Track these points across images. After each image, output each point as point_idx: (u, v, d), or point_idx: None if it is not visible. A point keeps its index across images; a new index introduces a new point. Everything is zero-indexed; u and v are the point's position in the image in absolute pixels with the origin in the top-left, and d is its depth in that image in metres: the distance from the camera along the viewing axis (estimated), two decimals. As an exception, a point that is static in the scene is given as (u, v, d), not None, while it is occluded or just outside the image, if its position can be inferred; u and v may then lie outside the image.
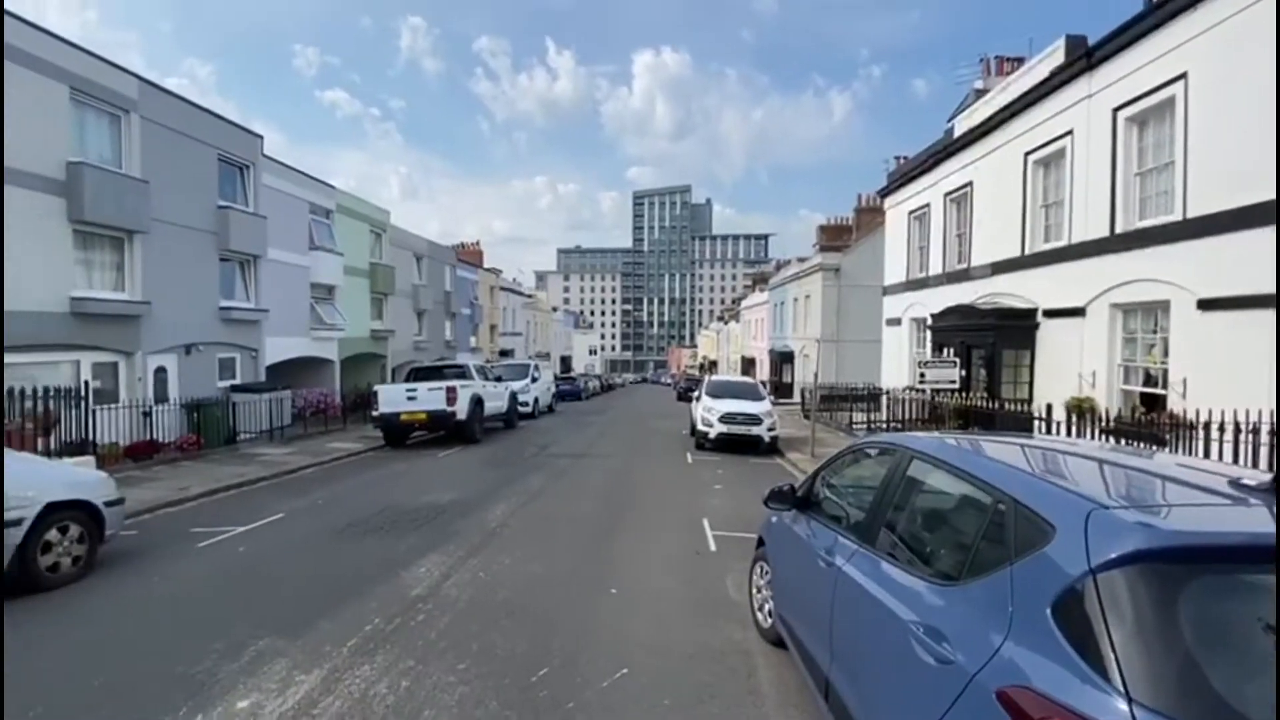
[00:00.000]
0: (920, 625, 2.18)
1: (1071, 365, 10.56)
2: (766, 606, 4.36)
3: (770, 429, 14.06)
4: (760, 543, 4.70)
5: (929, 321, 15.09)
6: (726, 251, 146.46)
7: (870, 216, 29.09)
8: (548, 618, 4.89)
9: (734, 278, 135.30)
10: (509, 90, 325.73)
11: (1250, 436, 6.49)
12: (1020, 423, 10.13)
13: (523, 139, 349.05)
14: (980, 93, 16.12)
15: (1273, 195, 7.21)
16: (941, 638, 2.05)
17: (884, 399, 16.61)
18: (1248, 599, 1.64)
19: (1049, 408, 9.12)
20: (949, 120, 16.83)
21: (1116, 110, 9.79)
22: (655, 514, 8.40)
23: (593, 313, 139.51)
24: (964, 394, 11.92)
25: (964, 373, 12.23)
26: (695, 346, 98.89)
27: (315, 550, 6.75)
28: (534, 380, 23.00)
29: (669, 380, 67.72)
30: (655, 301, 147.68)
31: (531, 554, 6.52)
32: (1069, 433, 8.76)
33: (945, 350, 13.54)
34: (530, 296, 54.35)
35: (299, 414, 17.01)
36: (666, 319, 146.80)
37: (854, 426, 16.90)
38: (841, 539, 3.12)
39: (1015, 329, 11.95)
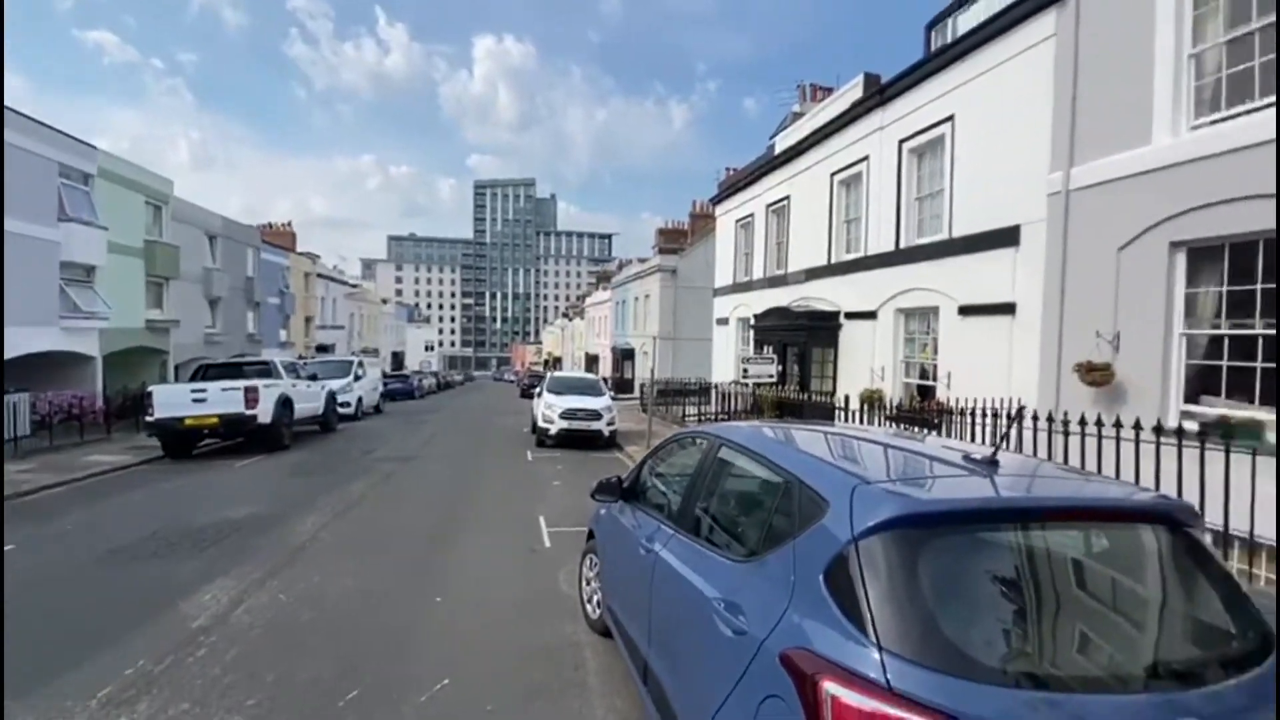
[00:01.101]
0: (722, 601, 2.31)
1: (866, 361, 12.11)
2: (595, 598, 4.39)
3: (610, 424, 14.35)
4: (590, 535, 4.73)
5: (753, 321, 16.38)
6: (572, 248, 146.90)
7: (704, 222, 30.90)
8: (362, 636, 4.48)
9: (579, 275, 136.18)
10: (331, 57, 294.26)
11: (992, 420, 7.89)
12: (825, 412, 11.36)
13: (348, 112, 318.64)
14: (797, 115, 17.85)
15: (1011, 223, 8.85)
16: (739, 611, 2.19)
17: (713, 393, 17.75)
18: (978, 555, 1.95)
19: (847, 398, 10.36)
20: (771, 138, 18.40)
21: (902, 142, 11.37)
22: (490, 515, 8.12)
23: (429, 306, 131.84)
24: (780, 387, 13.10)
25: (781, 368, 13.45)
26: (540, 343, 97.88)
27: (59, 587, 5.53)
28: (357, 378, 21.11)
29: (512, 377, 66.32)
30: (498, 296, 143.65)
31: (346, 568, 5.94)
32: (861, 420, 10.01)
33: (766, 348, 14.79)
34: (355, 286, 49.89)
35: (43, 421, 13.86)
36: (510, 314, 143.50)
37: (687, 419, 17.82)
38: (661, 526, 3.23)
39: (823, 329, 13.39)
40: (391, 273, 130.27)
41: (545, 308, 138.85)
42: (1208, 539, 5.03)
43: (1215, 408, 6.35)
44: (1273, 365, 5.89)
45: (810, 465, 2.38)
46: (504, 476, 10.92)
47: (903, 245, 11.31)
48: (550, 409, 14.28)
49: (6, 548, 6.57)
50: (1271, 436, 5.56)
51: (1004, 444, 2.40)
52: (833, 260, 13.60)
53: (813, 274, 14.35)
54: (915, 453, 2.66)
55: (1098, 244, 7.41)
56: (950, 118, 10.14)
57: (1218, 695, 1.68)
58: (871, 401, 10.39)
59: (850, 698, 1.64)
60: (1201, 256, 6.55)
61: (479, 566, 6.06)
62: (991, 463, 2.21)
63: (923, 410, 9.29)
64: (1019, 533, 1.94)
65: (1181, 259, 6.68)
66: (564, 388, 15.57)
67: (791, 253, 15.53)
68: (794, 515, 2.22)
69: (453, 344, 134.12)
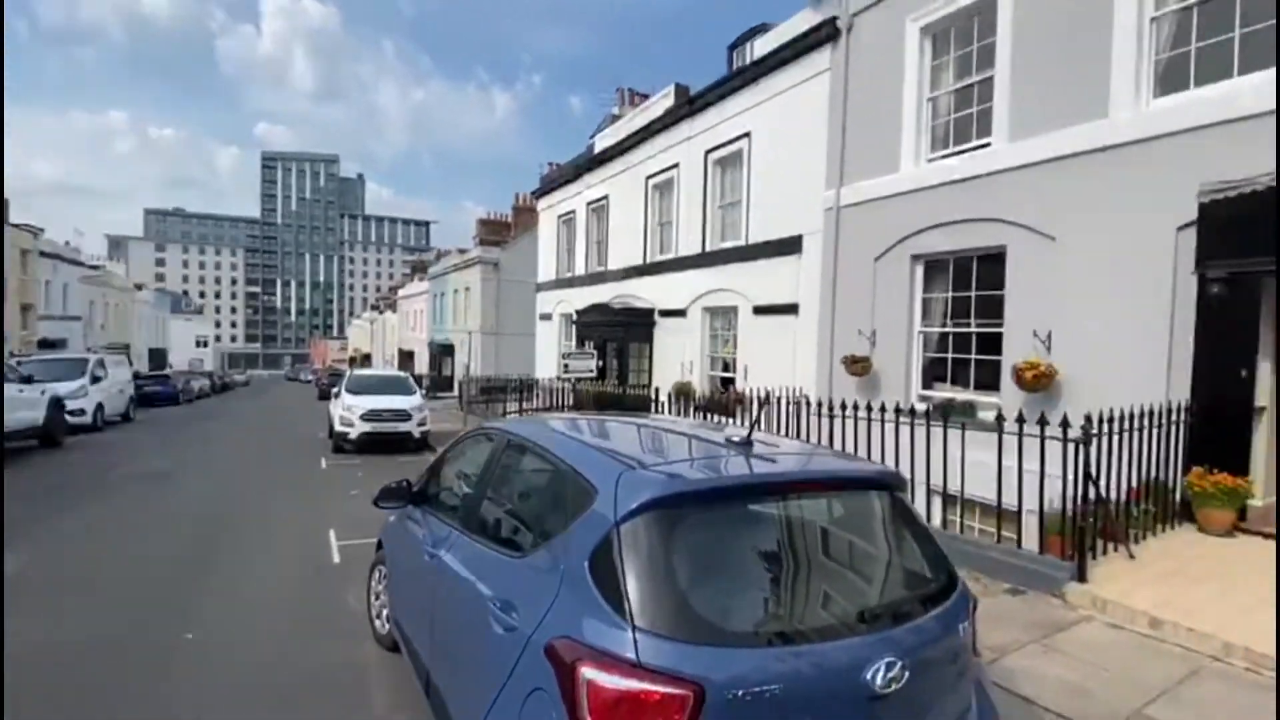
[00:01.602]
0: (497, 600, 2.23)
1: (677, 356, 12.82)
2: (385, 612, 4.03)
3: (421, 424, 13.46)
4: (380, 545, 4.34)
5: (575, 317, 16.48)
6: (384, 235, 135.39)
7: (527, 216, 30.35)
8: (75, 696, 3.60)
9: (392, 264, 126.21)
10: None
11: (785, 406, 8.80)
12: (642, 404, 11.81)
13: (90, 56, 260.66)
14: (616, 118, 18.32)
15: (795, 233, 9.92)
16: (512, 608, 2.12)
17: (536, 389, 17.55)
18: (732, 528, 2.09)
19: (657, 391, 10.87)
20: (591, 137, 18.66)
21: (708, 153, 12.18)
22: (269, 533, 7.10)
23: (203, 294, 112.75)
24: (601, 381, 13.35)
25: (601, 363, 13.71)
26: (345, 338, 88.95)
27: None
28: (95, 380, 17.24)
29: (310, 376, 59.26)
30: (293, 285, 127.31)
31: (62, 613, 4.77)
32: (672, 411, 10.56)
33: (588, 343, 14.97)
34: (97, 268, 40.97)
35: None
36: (308, 306, 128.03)
37: (509, 416, 17.40)
38: (449, 529, 3.04)
39: (639, 325, 13.91)
40: (150, 254, 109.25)
41: (352, 299, 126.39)
42: (924, 502, 6.05)
43: (943, 392, 7.74)
44: (985, 357, 7.34)
45: (585, 455, 2.39)
46: (291, 489, 9.66)
47: (708, 249, 12.14)
48: (349, 410, 12.97)
49: None
50: (981, 414, 6.91)
51: (756, 427, 2.62)
52: (648, 260, 14.17)
53: (630, 272, 14.82)
54: (686, 437, 2.80)
55: (860, 254, 8.61)
56: (748, 134, 11.09)
57: (919, 628, 1.99)
58: (682, 393, 11.00)
59: (603, 679, 1.66)
60: (933, 267, 7.93)
61: (250, 592, 5.26)
62: (746, 444, 2.38)
63: (726, 400, 10.06)
64: (767, 505, 2.12)
65: (920, 269, 8.03)
66: (366, 387, 14.21)
67: (611, 251, 15.89)
68: (568, 506, 2.20)
69: (234, 339, 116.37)
